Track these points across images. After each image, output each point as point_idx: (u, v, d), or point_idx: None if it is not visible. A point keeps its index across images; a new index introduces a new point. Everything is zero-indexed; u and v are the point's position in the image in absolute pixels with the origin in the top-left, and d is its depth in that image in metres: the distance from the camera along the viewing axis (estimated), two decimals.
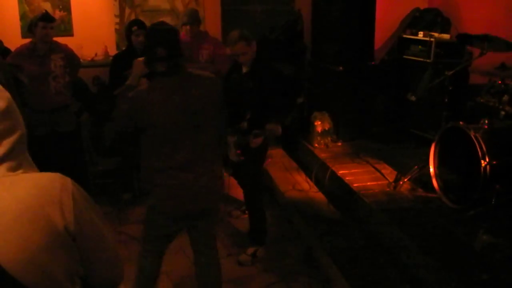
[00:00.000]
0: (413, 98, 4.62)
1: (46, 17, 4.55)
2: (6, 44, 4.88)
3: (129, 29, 4.88)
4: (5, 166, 1.19)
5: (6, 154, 1.19)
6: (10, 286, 1.12)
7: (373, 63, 5.61)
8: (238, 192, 4.61)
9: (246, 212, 4.41)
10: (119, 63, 4.95)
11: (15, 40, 5.03)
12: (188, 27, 4.84)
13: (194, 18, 4.88)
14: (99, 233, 1.32)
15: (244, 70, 3.99)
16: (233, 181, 4.66)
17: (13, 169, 1.21)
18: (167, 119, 2.66)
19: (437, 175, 3.84)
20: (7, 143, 1.20)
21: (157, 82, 2.75)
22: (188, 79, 2.78)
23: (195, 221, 3.01)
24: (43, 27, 4.50)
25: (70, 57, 4.80)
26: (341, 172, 4.62)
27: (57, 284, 1.20)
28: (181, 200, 2.81)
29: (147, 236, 3.08)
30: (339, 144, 5.42)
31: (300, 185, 5.01)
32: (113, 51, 5.52)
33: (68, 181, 1.25)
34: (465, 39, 4.42)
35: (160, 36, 2.69)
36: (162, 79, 2.73)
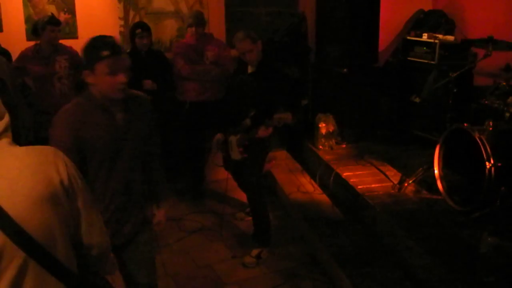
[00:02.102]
0: (417, 99, 4.61)
1: (54, 21, 4.58)
2: (11, 47, 4.88)
3: (133, 32, 4.90)
4: (5, 140, 1.39)
5: (2, 132, 1.39)
6: (15, 235, 1.27)
7: (377, 65, 5.61)
8: (242, 194, 4.62)
9: (250, 214, 4.42)
10: None
11: (20, 42, 5.04)
12: (193, 28, 4.86)
13: (199, 20, 4.90)
14: (86, 196, 1.52)
15: (250, 70, 4.02)
16: (235, 183, 4.66)
17: (12, 144, 1.41)
18: None
19: (442, 177, 3.83)
20: (2, 123, 1.40)
21: None
22: None
23: None
24: (52, 30, 4.53)
25: (75, 59, 4.82)
26: (345, 174, 4.61)
27: (53, 233, 1.37)
28: None
29: None
30: (344, 146, 5.42)
31: (305, 187, 5.01)
32: None
33: (60, 152, 1.48)
34: (470, 43, 4.42)
35: None
36: None
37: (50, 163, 1.40)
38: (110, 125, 2.40)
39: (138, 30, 4.85)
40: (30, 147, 1.42)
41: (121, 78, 2.32)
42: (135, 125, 2.50)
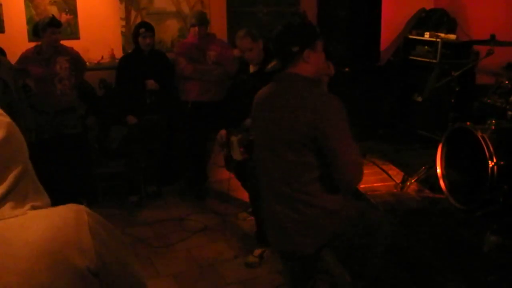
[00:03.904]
0: (419, 99, 4.62)
1: (54, 23, 4.58)
2: (13, 48, 4.89)
3: (136, 31, 4.91)
4: (9, 204, 1.04)
5: (8, 191, 1.04)
6: None
7: (379, 64, 5.60)
8: (244, 194, 4.62)
9: (253, 213, 4.41)
10: (126, 66, 4.99)
11: (21, 44, 5.04)
12: (196, 28, 4.87)
13: (202, 20, 4.91)
14: (122, 263, 1.20)
15: (252, 70, 4.02)
16: (237, 183, 4.66)
17: (19, 206, 1.06)
18: None
19: (444, 176, 3.82)
20: (9, 178, 1.04)
21: None
22: None
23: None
24: (52, 32, 4.53)
25: (76, 60, 4.83)
26: None
27: None
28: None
29: None
30: None
31: None
32: (119, 54, 5.53)
33: (82, 212, 1.10)
34: (471, 43, 4.41)
35: None
36: None
37: (72, 245, 1.05)
38: None
39: (142, 30, 4.86)
40: (43, 219, 1.06)
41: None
42: None
